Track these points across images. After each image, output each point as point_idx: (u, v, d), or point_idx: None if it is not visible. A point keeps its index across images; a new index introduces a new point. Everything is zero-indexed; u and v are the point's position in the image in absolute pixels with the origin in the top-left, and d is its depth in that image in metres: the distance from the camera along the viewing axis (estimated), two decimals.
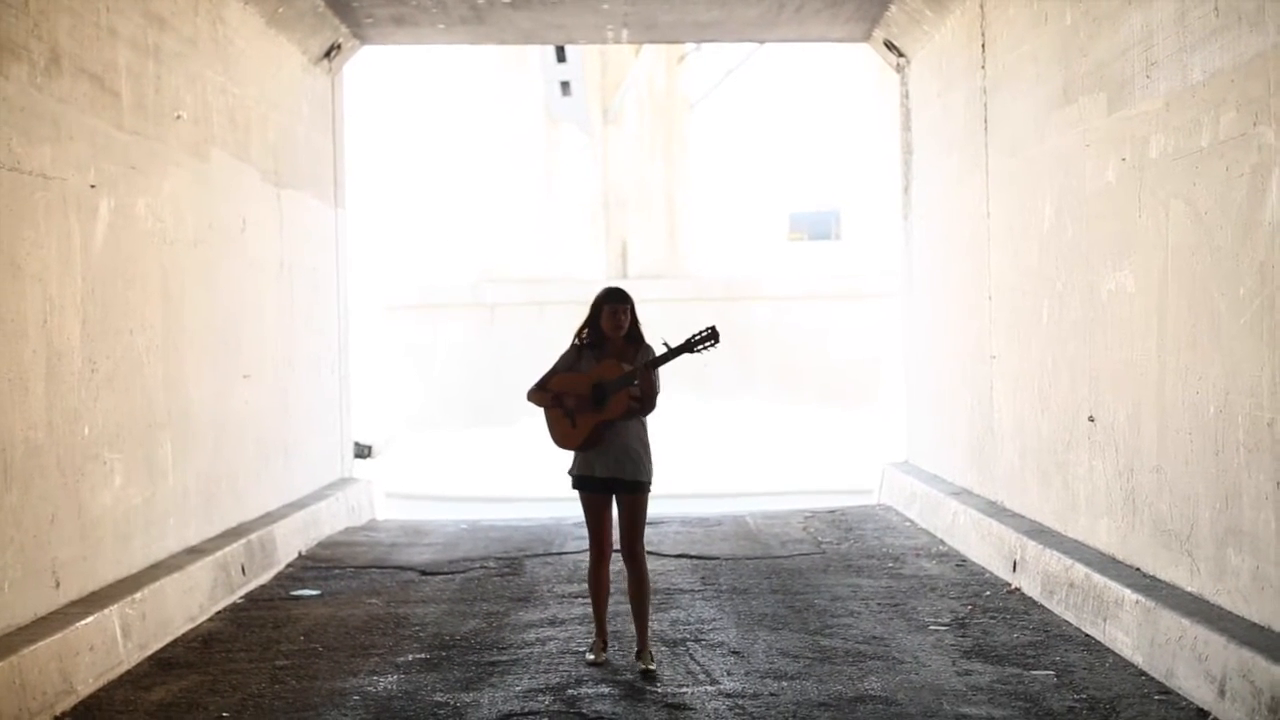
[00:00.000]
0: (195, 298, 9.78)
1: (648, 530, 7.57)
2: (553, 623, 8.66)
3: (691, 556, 10.98)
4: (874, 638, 8.11)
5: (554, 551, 11.36)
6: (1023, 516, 10.18)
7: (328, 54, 13.48)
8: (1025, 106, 10.07)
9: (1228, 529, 6.96)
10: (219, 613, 9.16)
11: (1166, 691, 6.87)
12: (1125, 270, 8.20)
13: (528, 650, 7.95)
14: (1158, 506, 7.82)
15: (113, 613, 7.63)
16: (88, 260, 8.02)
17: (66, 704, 6.91)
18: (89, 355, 8.00)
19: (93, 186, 8.10)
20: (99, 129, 8.22)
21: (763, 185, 28.22)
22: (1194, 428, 7.32)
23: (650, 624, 7.66)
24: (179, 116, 9.53)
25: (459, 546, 11.83)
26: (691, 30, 14.98)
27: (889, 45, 14.12)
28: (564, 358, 7.59)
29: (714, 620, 8.63)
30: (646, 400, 7.37)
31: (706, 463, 19.72)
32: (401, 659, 7.85)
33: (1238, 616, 6.81)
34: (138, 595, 8.00)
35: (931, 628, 8.36)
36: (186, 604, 8.71)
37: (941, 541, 11.39)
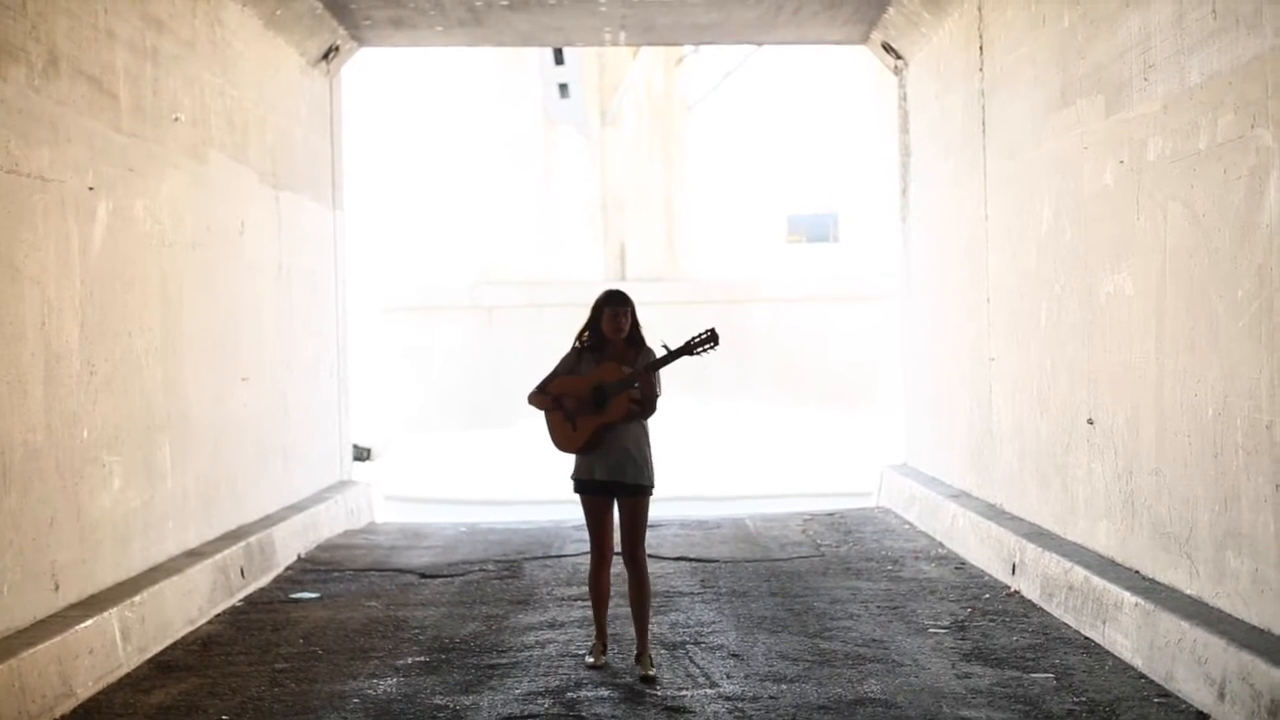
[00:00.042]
0: (194, 300, 9.78)
1: (647, 533, 7.56)
2: (552, 625, 8.65)
3: (691, 559, 10.97)
4: (873, 640, 8.11)
5: (553, 554, 11.36)
6: (1022, 519, 10.17)
7: (326, 56, 13.49)
8: (1023, 109, 10.07)
9: (1227, 531, 6.96)
10: (218, 615, 9.16)
11: (1166, 694, 6.87)
12: (1123, 273, 8.21)
13: (527, 653, 7.95)
14: (1157, 509, 7.82)
15: (112, 616, 7.62)
16: (86, 262, 8.02)
17: (66, 707, 6.90)
18: (88, 358, 8.00)
19: (91, 189, 8.09)
20: (97, 131, 8.21)
21: (761, 187, 28.20)
22: (1193, 430, 7.32)
23: (650, 627, 7.66)
24: (177, 119, 9.52)
25: (458, 549, 11.83)
26: (689, 32, 14.98)
27: (887, 48, 14.12)
28: (564, 360, 7.59)
29: (713, 623, 8.63)
30: (647, 403, 7.36)
31: (705, 465, 19.72)
32: (401, 662, 7.85)
33: (1237, 619, 6.81)
34: (137, 598, 8.00)
35: (931, 630, 8.36)
36: (186, 607, 8.70)
37: (941, 544, 11.39)
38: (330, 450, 13.77)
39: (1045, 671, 7.38)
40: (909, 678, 7.27)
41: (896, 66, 14.29)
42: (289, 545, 11.06)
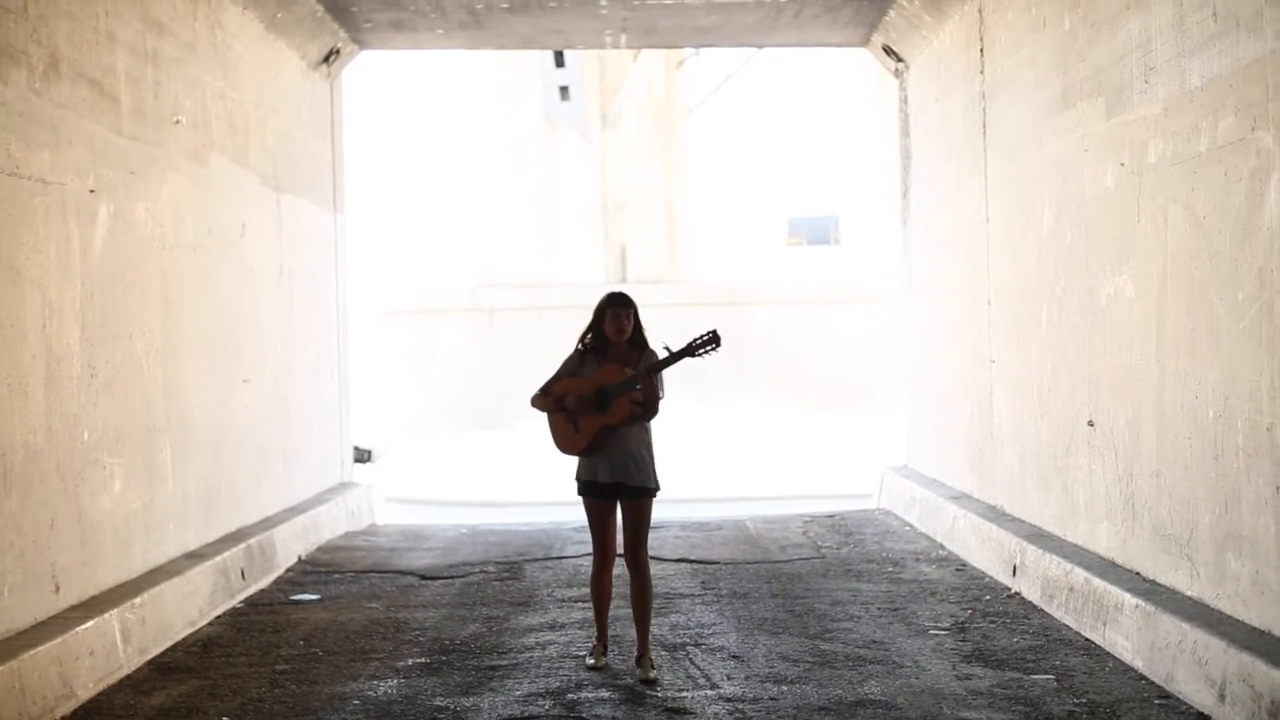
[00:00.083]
0: (195, 303, 9.79)
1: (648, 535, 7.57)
2: (553, 627, 8.65)
3: (691, 561, 10.98)
4: (874, 642, 8.11)
5: (554, 556, 11.36)
6: (1022, 521, 10.18)
7: (326, 59, 13.50)
8: (1024, 111, 10.07)
9: (1227, 533, 6.96)
10: (219, 617, 9.16)
11: (1166, 696, 6.87)
12: (1124, 275, 8.21)
13: (528, 655, 7.95)
14: (1157, 511, 7.82)
15: (112, 617, 7.63)
16: (87, 265, 8.02)
17: (66, 709, 6.90)
18: (88, 360, 8.00)
19: (92, 191, 8.10)
20: (98, 134, 8.22)
21: (762, 190, 28.25)
22: (1193, 432, 7.33)
23: (650, 629, 7.65)
24: (178, 121, 9.53)
25: (458, 551, 11.83)
26: (690, 35, 14.99)
27: (888, 50, 14.13)
28: (567, 363, 7.59)
29: (714, 625, 8.63)
30: (649, 405, 7.36)
31: (706, 467, 19.71)
32: (401, 663, 7.85)
33: (1238, 621, 6.81)
34: (137, 600, 8.00)
35: (931, 632, 8.36)
36: (186, 608, 8.71)
37: (941, 546, 11.39)
38: (331, 452, 13.77)
39: (1046, 673, 7.38)
40: (909, 679, 7.27)
41: (897, 69, 14.30)
42: (290, 547, 11.06)
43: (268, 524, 10.96)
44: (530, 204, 27.00)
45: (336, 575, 10.70)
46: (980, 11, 11.10)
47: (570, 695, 7.07)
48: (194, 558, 9.34)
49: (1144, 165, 7.88)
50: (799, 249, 29.28)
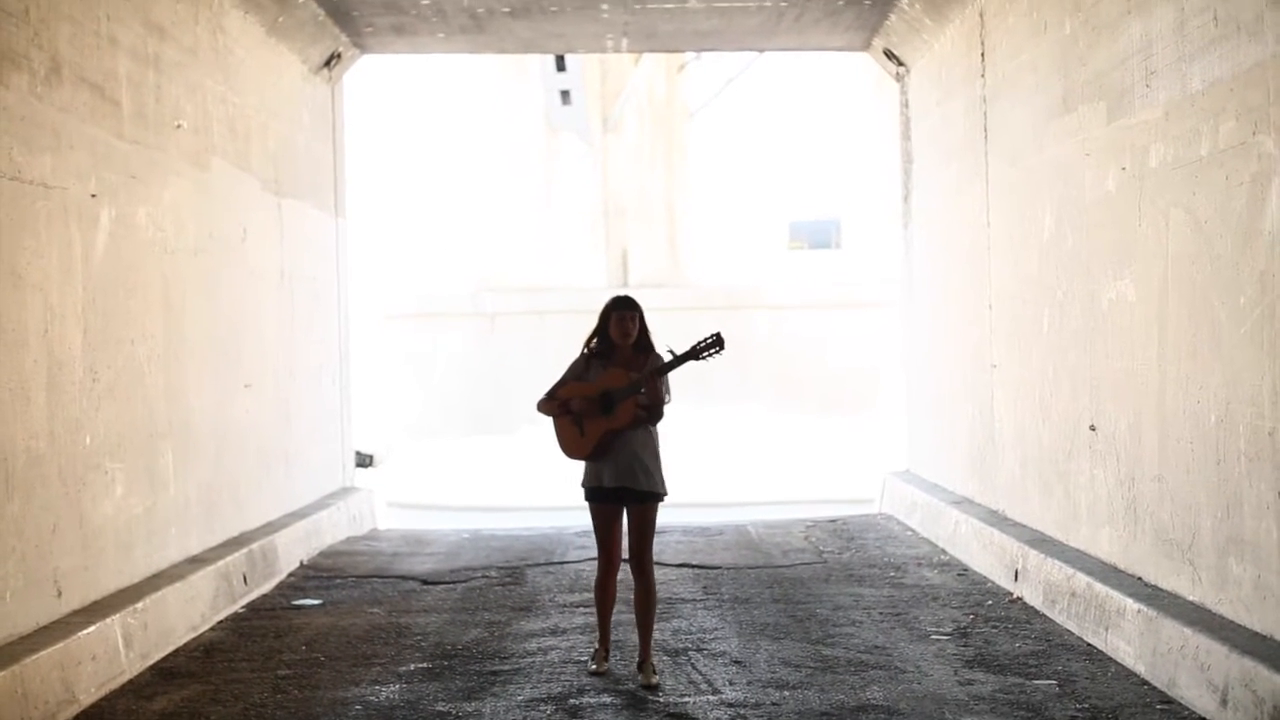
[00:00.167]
0: (196, 307, 9.79)
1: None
2: (554, 632, 8.65)
3: (693, 566, 10.98)
4: (876, 647, 8.10)
5: (555, 561, 11.35)
6: (1024, 526, 10.17)
7: (328, 63, 13.50)
8: (1025, 115, 10.08)
9: (1229, 538, 6.96)
10: (221, 622, 9.16)
11: (1169, 701, 6.86)
12: (1126, 279, 8.21)
13: (530, 660, 7.95)
14: (1159, 516, 7.82)
15: (114, 622, 7.62)
16: (89, 269, 8.03)
17: (68, 713, 6.90)
18: (90, 365, 8.01)
19: (93, 196, 8.10)
20: (99, 138, 8.22)
21: (763, 194, 28.25)
22: (1195, 437, 7.32)
23: (653, 634, 7.64)
24: (179, 126, 9.54)
25: (460, 556, 11.83)
26: (691, 39, 15.00)
27: (889, 54, 14.14)
28: (573, 367, 7.58)
29: (716, 630, 8.63)
30: (654, 408, 7.35)
31: (708, 472, 19.71)
32: (403, 668, 7.85)
33: (1240, 626, 6.80)
34: (139, 605, 8.00)
35: (933, 637, 8.36)
36: (188, 613, 8.70)
37: (943, 551, 11.39)
38: (332, 457, 13.77)
39: (1048, 678, 7.38)
40: (911, 684, 7.27)
41: (898, 73, 14.30)
42: (291, 552, 11.06)
43: (269, 529, 10.96)
44: (531, 208, 27.02)
45: (338, 580, 10.69)
46: (981, 15, 11.10)
47: (572, 700, 7.07)
48: (196, 562, 9.33)
49: (1145, 169, 7.88)
50: (800, 253, 29.27)
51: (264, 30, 11.54)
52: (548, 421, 7.62)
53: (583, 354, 7.59)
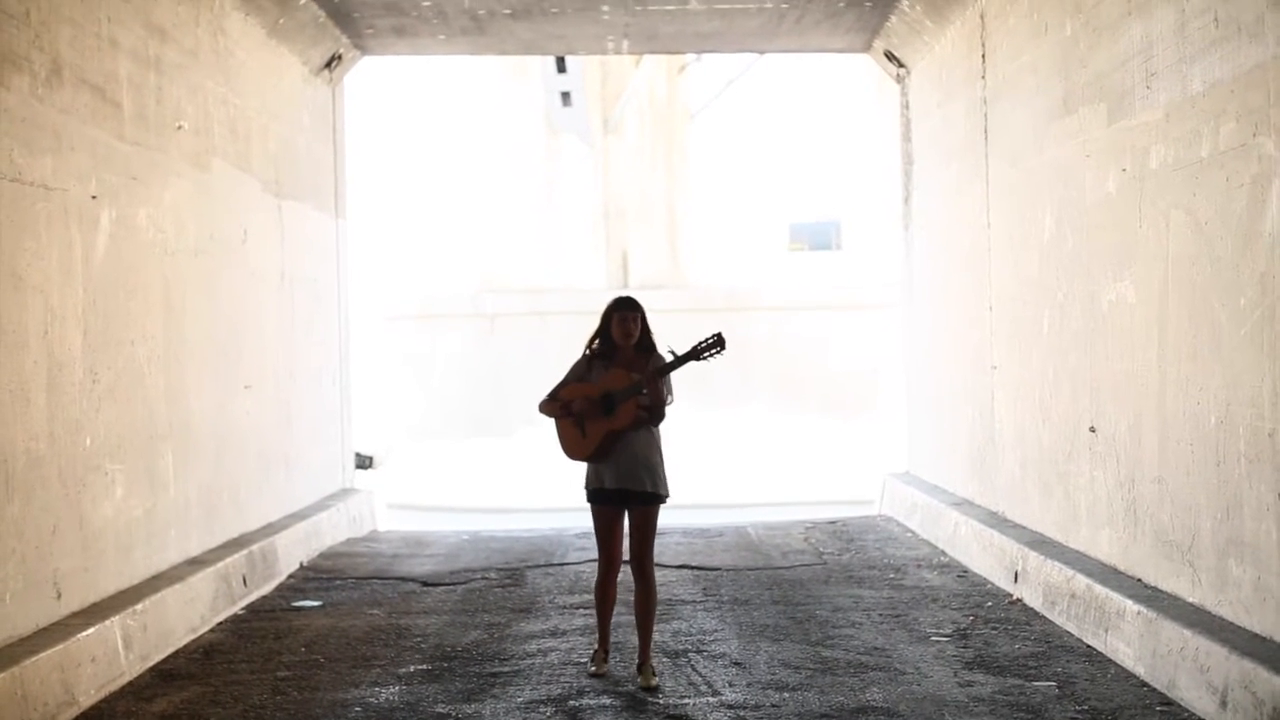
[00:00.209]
0: (197, 308, 9.79)
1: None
2: (554, 634, 8.65)
3: (693, 567, 10.98)
4: (876, 649, 8.10)
5: (555, 562, 11.35)
6: (1024, 527, 10.17)
7: (328, 64, 13.51)
8: (1025, 117, 10.08)
9: (1229, 540, 6.95)
10: (220, 624, 9.16)
11: (1168, 702, 6.86)
12: (1126, 281, 8.21)
13: (529, 661, 7.95)
14: (1159, 517, 7.81)
15: (114, 624, 7.62)
16: (89, 271, 8.03)
17: (68, 715, 6.90)
18: (90, 366, 8.01)
19: (94, 197, 8.10)
20: (100, 140, 8.23)
21: (763, 195, 28.26)
22: (1195, 438, 7.32)
23: (653, 636, 7.64)
24: (180, 127, 9.54)
25: (460, 557, 11.83)
26: (692, 41, 15.01)
27: (889, 56, 14.14)
28: (575, 368, 7.57)
29: (715, 631, 8.63)
30: (655, 409, 7.33)
31: (707, 473, 19.71)
32: (403, 670, 7.85)
33: (1239, 627, 6.80)
34: (139, 606, 8.00)
35: (933, 639, 8.36)
36: (188, 615, 8.70)
37: (943, 552, 11.39)
38: (333, 458, 13.77)
39: (1048, 680, 7.38)
40: (911, 686, 7.27)
41: (899, 74, 14.31)
42: (291, 553, 11.06)
43: (269, 530, 10.96)
44: (532, 209, 27.02)
45: (338, 581, 10.69)
46: (982, 17, 11.11)
47: (572, 702, 7.07)
48: (196, 564, 9.33)
49: (1145, 171, 7.88)
50: (801, 254, 29.30)
51: (265, 32, 11.54)
52: (548, 423, 7.62)
53: (585, 355, 7.58)
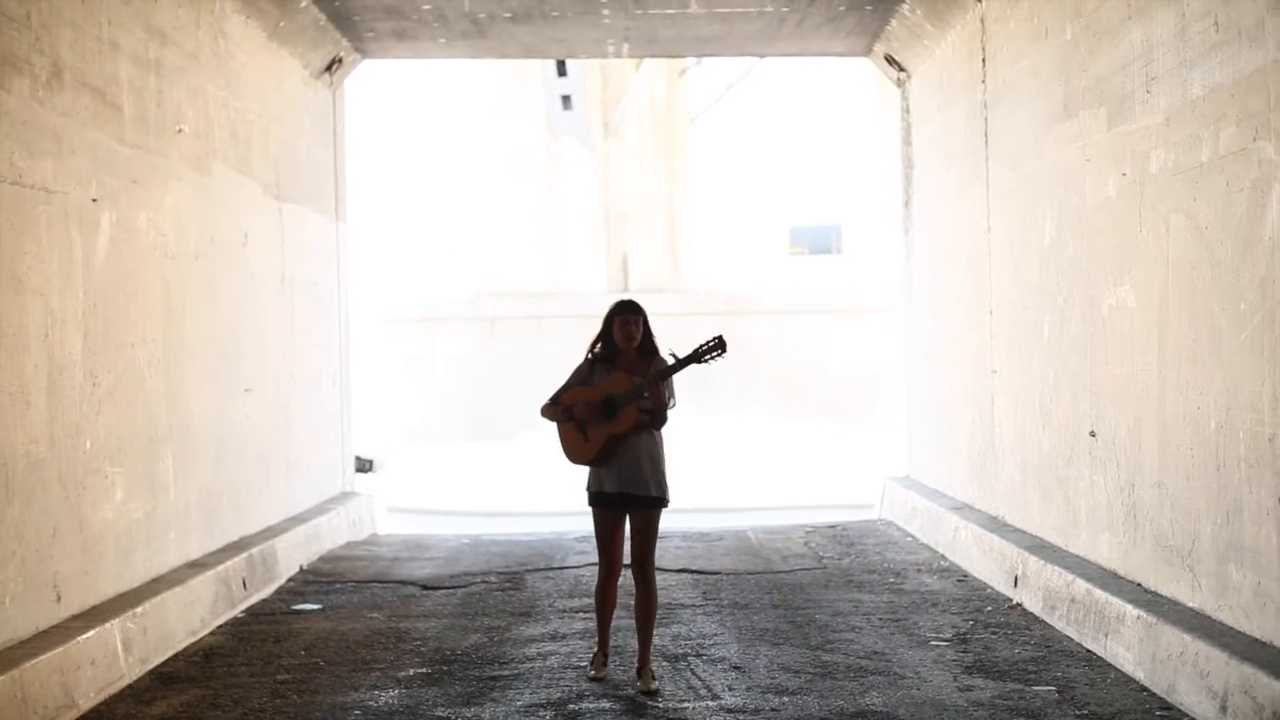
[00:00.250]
0: (197, 311, 9.79)
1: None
2: (554, 638, 8.65)
3: (693, 571, 10.97)
4: (875, 653, 8.10)
5: (555, 566, 11.34)
6: (1024, 532, 10.17)
7: (329, 68, 13.51)
8: (1025, 121, 10.08)
9: (1229, 544, 6.95)
10: (220, 627, 9.16)
11: (1168, 707, 6.86)
12: (1126, 285, 8.21)
13: (529, 665, 7.94)
14: (1159, 522, 7.81)
15: (114, 627, 7.62)
16: (89, 274, 8.03)
17: (68, 718, 6.90)
18: (90, 369, 8.01)
19: (94, 200, 8.11)
20: (100, 143, 8.23)
21: (764, 199, 28.26)
22: (1195, 443, 7.32)
23: (652, 640, 7.64)
24: (180, 130, 9.54)
25: (460, 561, 11.82)
26: (692, 45, 15.00)
27: (890, 60, 14.14)
28: (577, 371, 7.56)
29: (715, 635, 8.62)
30: (657, 413, 7.33)
31: (707, 477, 19.71)
32: (403, 674, 7.84)
33: (1239, 632, 6.80)
34: (139, 609, 8.00)
35: (933, 643, 8.36)
36: (188, 618, 8.70)
37: (943, 556, 11.38)
38: (333, 461, 13.77)
39: (1047, 684, 7.37)
40: (911, 690, 7.27)
41: (899, 79, 14.31)
42: (291, 556, 11.06)
43: (269, 533, 10.96)
44: (532, 213, 27.01)
45: (338, 585, 10.69)
46: (982, 21, 11.11)
47: (571, 706, 7.06)
48: (196, 567, 9.33)
49: (1145, 175, 7.89)
50: (801, 258, 29.30)
51: (265, 35, 11.55)
52: (548, 426, 7.61)
53: (587, 358, 7.58)
